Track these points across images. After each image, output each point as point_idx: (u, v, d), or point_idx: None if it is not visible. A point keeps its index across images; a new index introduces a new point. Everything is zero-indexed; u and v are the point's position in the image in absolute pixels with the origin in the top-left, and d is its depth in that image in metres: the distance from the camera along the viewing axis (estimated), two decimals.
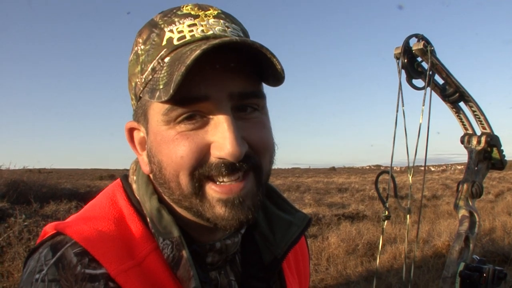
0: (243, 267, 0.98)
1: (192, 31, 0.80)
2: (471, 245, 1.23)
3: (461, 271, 1.16)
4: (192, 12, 0.82)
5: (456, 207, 1.26)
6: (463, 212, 1.24)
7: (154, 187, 0.89)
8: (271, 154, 0.87)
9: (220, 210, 0.81)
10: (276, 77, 0.80)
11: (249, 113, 0.82)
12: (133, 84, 0.85)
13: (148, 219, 0.86)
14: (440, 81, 1.20)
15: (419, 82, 1.14)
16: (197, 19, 0.81)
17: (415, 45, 1.10)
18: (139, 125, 0.87)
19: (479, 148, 1.24)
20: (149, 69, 0.80)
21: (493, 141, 1.24)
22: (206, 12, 0.83)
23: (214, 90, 0.77)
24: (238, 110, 0.80)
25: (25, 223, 6.55)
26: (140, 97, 0.84)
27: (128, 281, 0.78)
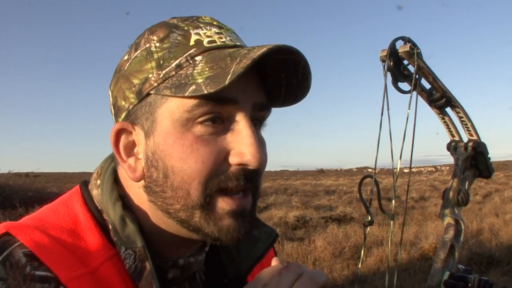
0: (207, 284, 0.96)
1: (221, 38, 0.81)
2: (456, 254, 1.21)
3: (445, 280, 1.14)
4: (215, 23, 0.85)
5: (442, 215, 1.23)
6: (448, 220, 1.22)
7: (118, 194, 0.86)
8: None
9: (228, 222, 0.79)
10: (296, 97, 0.86)
11: (256, 128, 0.83)
12: (137, 81, 0.80)
13: (110, 227, 0.82)
14: (427, 86, 1.18)
15: (405, 86, 1.11)
16: (222, 30, 0.84)
17: (401, 47, 1.08)
18: (134, 126, 0.82)
19: (465, 155, 1.22)
20: (173, 65, 0.78)
21: (480, 148, 1.22)
22: (227, 27, 0.86)
23: (243, 96, 0.78)
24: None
25: None
26: (149, 94, 0.79)
27: None
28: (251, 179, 0.79)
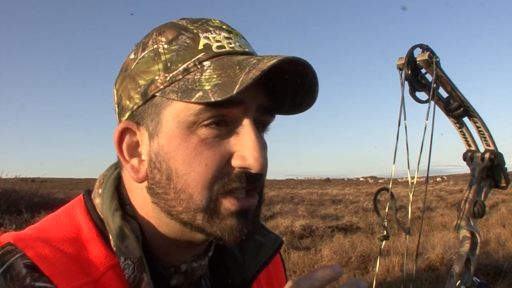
0: None
1: (230, 43, 0.81)
2: (472, 268, 1.18)
3: None
4: (224, 27, 0.84)
5: (457, 227, 1.20)
6: (464, 232, 1.19)
7: (119, 202, 0.86)
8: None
9: (231, 222, 0.79)
10: (300, 106, 0.85)
11: (259, 131, 0.83)
12: (143, 82, 0.80)
13: (110, 237, 0.82)
14: (444, 95, 1.15)
15: (422, 95, 1.08)
16: (231, 34, 0.83)
17: (419, 55, 1.04)
18: (139, 127, 0.82)
19: (482, 165, 1.19)
20: (180, 69, 0.78)
21: (497, 159, 1.19)
22: (236, 31, 0.86)
23: (248, 98, 0.77)
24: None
25: None
26: (154, 96, 0.79)
27: None
28: (253, 181, 0.79)
